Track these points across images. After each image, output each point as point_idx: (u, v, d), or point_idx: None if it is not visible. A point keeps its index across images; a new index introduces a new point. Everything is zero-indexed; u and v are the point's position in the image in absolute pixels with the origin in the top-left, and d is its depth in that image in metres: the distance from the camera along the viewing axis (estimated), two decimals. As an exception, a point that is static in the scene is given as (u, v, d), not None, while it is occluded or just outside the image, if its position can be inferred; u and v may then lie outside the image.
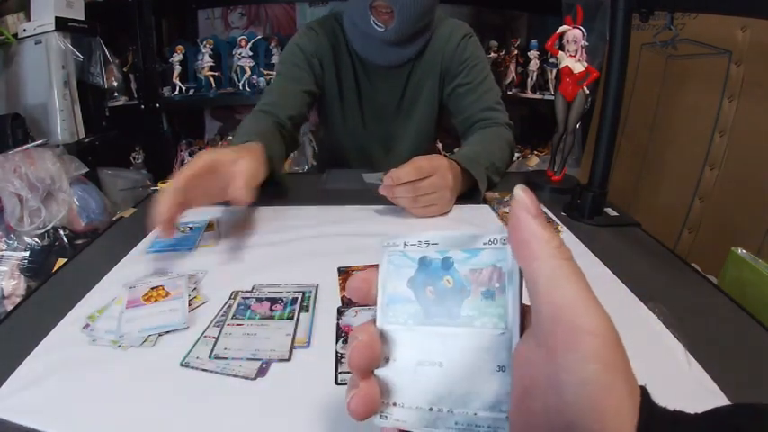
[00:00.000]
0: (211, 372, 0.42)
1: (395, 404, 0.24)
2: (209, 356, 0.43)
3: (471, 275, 0.23)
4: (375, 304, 0.25)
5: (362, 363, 0.24)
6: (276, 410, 0.38)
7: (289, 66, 0.99)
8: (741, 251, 0.67)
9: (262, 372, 0.41)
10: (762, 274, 0.62)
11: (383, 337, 0.25)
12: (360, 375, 0.24)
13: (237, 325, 0.48)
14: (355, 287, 0.26)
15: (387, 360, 0.25)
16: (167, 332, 0.47)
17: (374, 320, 0.25)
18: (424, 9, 0.89)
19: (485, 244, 0.23)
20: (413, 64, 1.02)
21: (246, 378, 0.41)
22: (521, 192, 0.22)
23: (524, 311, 0.23)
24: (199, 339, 0.46)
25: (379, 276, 0.26)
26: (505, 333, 0.22)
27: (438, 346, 0.24)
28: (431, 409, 0.23)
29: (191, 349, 0.44)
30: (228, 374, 0.41)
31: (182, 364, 0.43)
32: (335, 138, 1.12)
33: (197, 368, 0.42)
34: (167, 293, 0.52)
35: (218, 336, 0.46)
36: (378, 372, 0.25)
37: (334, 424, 0.36)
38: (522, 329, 0.22)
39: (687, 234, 1.28)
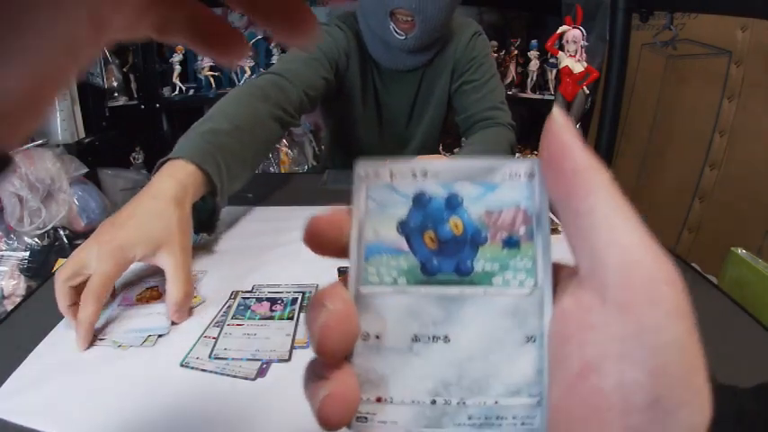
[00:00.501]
0: (211, 372, 0.42)
1: (380, 400, 0.18)
2: (209, 357, 0.43)
3: (487, 218, 0.18)
4: (345, 257, 0.18)
5: (338, 344, 0.17)
6: (276, 410, 0.38)
7: (314, 47, 0.92)
8: (741, 251, 0.67)
9: (262, 372, 0.41)
10: (762, 274, 0.62)
11: (360, 306, 0.18)
12: (331, 363, 0.17)
13: (237, 325, 0.48)
14: (316, 231, 0.18)
15: (365, 338, 0.18)
16: (168, 330, 0.47)
17: (345, 281, 0.18)
18: (445, 18, 0.89)
19: (504, 178, 0.18)
20: (425, 68, 1.02)
21: (246, 378, 0.41)
22: (558, 112, 0.17)
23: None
24: (199, 339, 0.46)
25: (353, 218, 0.18)
26: (535, 293, 0.17)
27: (442, 314, 0.18)
28: (434, 402, 0.17)
29: (191, 349, 0.44)
30: (228, 375, 0.41)
31: (182, 365, 0.43)
32: (348, 137, 1.11)
33: (197, 368, 0.42)
34: (160, 295, 0.52)
35: (218, 336, 0.46)
36: (352, 356, 0.18)
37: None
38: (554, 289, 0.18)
39: (687, 234, 1.28)
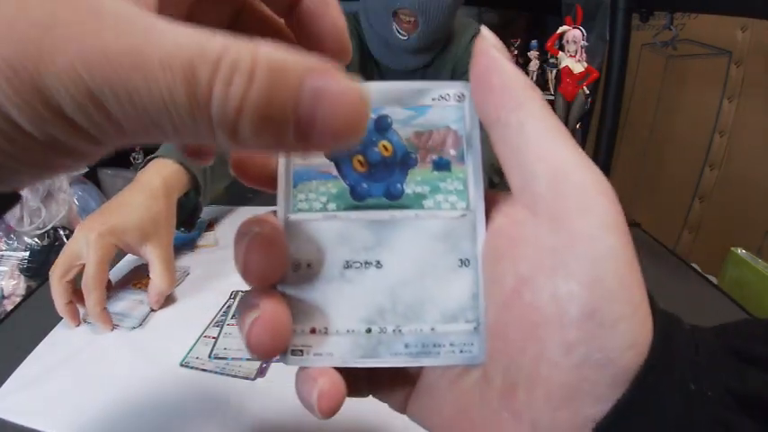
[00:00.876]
0: (211, 372, 0.42)
1: (314, 331, 0.17)
2: (209, 356, 0.43)
3: (417, 140, 0.17)
4: (274, 187, 0.18)
5: (264, 270, 0.16)
6: (276, 410, 0.37)
7: None
8: (741, 251, 0.67)
9: (261, 372, 0.41)
10: (761, 274, 0.62)
11: (290, 234, 0.17)
12: (260, 291, 0.17)
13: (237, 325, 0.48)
14: (244, 158, 0.18)
15: (296, 267, 0.17)
16: (166, 331, 0.47)
17: (275, 212, 0.18)
18: (448, 18, 0.89)
19: (434, 100, 0.17)
20: (426, 68, 1.02)
21: (246, 378, 0.41)
22: (487, 31, 0.16)
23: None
24: (199, 339, 0.46)
25: None
26: (467, 215, 0.17)
27: (373, 240, 0.17)
28: (369, 331, 0.17)
29: (191, 349, 0.44)
30: (228, 374, 0.41)
31: (182, 364, 0.43)
32: None
33: (197, 368, 0.42)
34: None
35: (218, 336, 0.46)
36: (283, 287, 0.17)
37: (336, 424, 0.36)
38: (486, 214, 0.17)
39: (687, 234, 1.28)
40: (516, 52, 1.98)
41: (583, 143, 1.63)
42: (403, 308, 0.17)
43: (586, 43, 0.83)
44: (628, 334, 0.14)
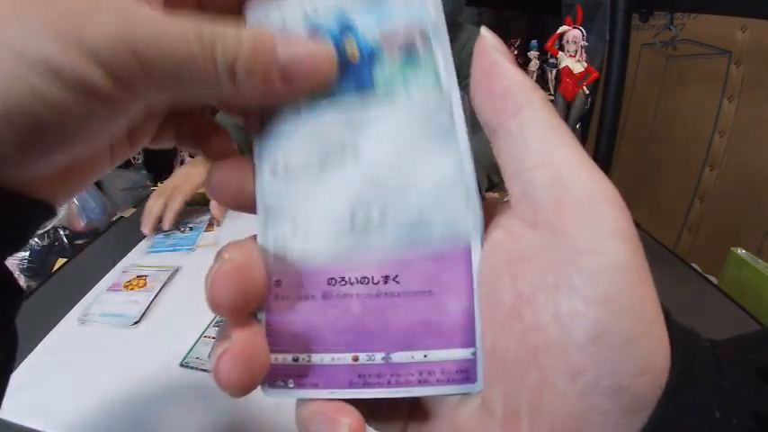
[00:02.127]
0: (211, 372, 0.42)
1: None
2: (209, 357, 0.43)
3: (383, 41, 0.16)
4: (252, 211, 0.17)
5: (234, 301, 0.15)
6: (276, 410, 0.37)
7: None
8: (741, 251, 0.67)
9: (262, 372, 0.41)
10: (762, 274, 0.62)
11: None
12: (233, 320, 0.15)
13: (237, 325, 0.48)
14: (218, 181, 0.17)
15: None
16: (166, 331, 0.47)
17: (254, 237, 0.17)
18: (452, 18, 0.89)
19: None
20: None
21: (246, 378, 0.41)
22: (488, 32, 0.16)
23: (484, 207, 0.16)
24: (199, 339, 0.46)
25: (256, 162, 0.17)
26: (442, 101, 0.16)
27: (347, 135, 0.16)
28: (353, 219, 0.16)
29: (191, 349, 0.44)
30: (228, 374, 0.41)
31: (181, 365, 0.43)
32: None
33: (197, 368, 0.42)
34: (145, 284, 0.55)
35: (218, 336, 0.46)
36: (262, 313, 0.16)
37: None
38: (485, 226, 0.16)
39: (687, 234, 1.28)
40: (516, 52, 1.98)
41: (583, 143, 1.63)
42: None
43: (586, 43, 0.83)
44: (641, 357, 0.12)
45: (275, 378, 0.16)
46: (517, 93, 0.14)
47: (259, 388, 0.16)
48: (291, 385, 0.16)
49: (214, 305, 0.15)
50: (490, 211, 0.16)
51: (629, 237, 0.13)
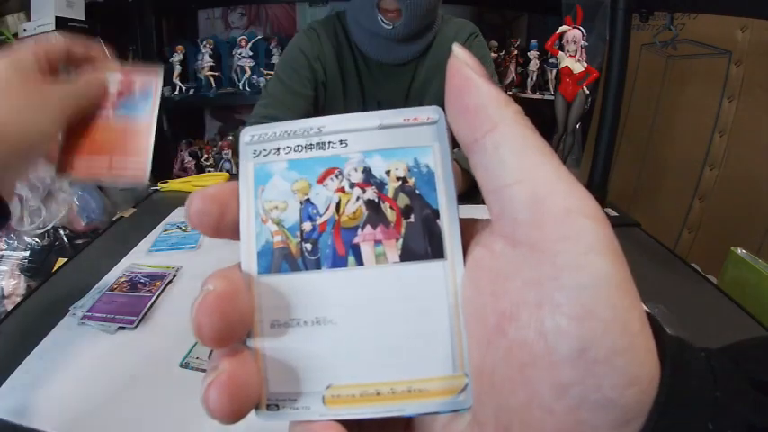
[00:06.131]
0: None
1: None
2: (209, 357, 0.43)
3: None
4: (232, 237, 0.17)
5: (219, 332, 0.15)
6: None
7: (289, 71, 0.99)
8: (741, 251, 0.67)
9: (262, 372, 0.41)
10: (761, 274, 0.62)
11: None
12: (221, 350, 0.15)
13: (237, 325, 0.48)
14: (200, 209, 0.16)
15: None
16: (166, 331, 0.47)
17: (238, 265, 0.17)
18: (430, 5, 0.90)
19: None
20: (417, 63, 1.03)
21: (246, 378, 0.41)
22: (460, 48, 0.16)
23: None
24: (199, 339, 0.46)
25: (242, 193, 0.17)
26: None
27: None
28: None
29: (191, 349, 0.44)
30: (228, 374, 0.41)
31: (181, 365, 0.43)
32: None
33: (197, 368, 0.42)
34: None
35: (218, 336, 0.46)
36: (253, 341, 0.16)
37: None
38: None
39: (687, 234, 1.28)
40: (516, 52, 1.98)
41: (583, 143, 1.63)
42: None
43: (586, 43, 0.83)
44: (627, 369, 0.12)
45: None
46: (491, 109, 0.14)
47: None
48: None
49: (200, 336, 0.15)
50: (470, 229, 0.16)
51: (611, 250, 0.13)
